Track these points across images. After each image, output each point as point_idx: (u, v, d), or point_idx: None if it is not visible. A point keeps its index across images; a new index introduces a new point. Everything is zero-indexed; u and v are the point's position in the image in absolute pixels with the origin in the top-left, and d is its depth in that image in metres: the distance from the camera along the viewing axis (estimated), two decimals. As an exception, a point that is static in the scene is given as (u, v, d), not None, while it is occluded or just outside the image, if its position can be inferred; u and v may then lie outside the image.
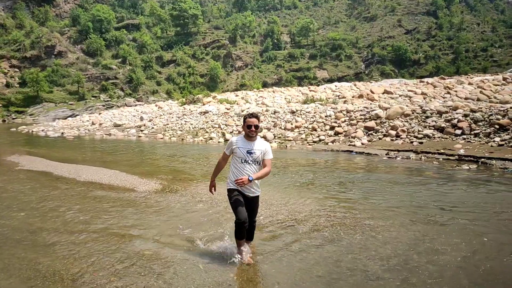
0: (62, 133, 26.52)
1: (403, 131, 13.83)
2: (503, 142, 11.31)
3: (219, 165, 4.63)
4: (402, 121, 14.51)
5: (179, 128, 22.73)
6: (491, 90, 18.18)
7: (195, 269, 4.29)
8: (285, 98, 26.95)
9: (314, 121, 17.59)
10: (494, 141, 11.54)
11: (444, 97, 18.37)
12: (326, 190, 8.05)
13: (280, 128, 18.03)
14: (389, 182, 8.71)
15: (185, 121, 23.65)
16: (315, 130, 16.67)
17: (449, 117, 13.63)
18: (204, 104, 28.91)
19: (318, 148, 14.70)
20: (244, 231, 4.33)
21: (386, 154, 12.33)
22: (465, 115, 13.35)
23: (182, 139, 20.32)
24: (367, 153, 12.80)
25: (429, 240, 4.98)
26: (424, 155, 11.79)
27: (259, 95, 31.74)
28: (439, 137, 13.00)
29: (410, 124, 14.22)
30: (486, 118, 12.74)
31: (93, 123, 30.18)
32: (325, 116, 17.57)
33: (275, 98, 27.99)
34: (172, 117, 25.67)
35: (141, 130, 24.19)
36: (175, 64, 77.49)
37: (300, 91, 33.19)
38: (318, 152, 14.13)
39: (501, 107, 13.22)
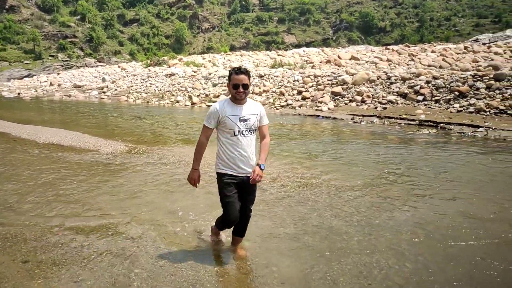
0: (19, 93, 25.14)
1: (368, 96, 14.11)
2: (461, 108, 11.82)
3: (201, 146, 3.33)
4: (368, 87, 14.77)
5: (144, 90, 22.09)
6: (453, 58, 18.75)
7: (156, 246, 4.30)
8: (253, 62, 26.64)
9: (282, 85, 17.57)
10: (453, 107, 12.03)
11: (408, 64, 18.78)
12: (293, 152, 8.18)
13: (248, 92, 17.89)
14: (354, 145, 8.95)
15: (151, 84, 22.97)
16: (283, 94, 16.70)
17: (412, 84, 14.01)
18: (170, 67, 28.09)
19: (285, 113, 14.79)
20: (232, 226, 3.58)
21: (351, 119, 12.61)
22: (427, 82, 13.76)
23: (148, 102, 19.82)
24: (333, 117, 13.02)
25: (390, 200, 5.21)
26: (387, 120, 12.15)
27: (226, 58, 31.18)
28: (402, 103, 13.39)
29: (375, 90, 14.51)
30: (447, 85, 13.19)
31: (51, 84, 28.73)
32: (293, 81, 17.57)
33: (243, 62, 27.61)
34: (137, 79, 24.84)
35: (104, 92, 23.31)
36: (139, 23, 74.11)
37: (268, 55, 32.85)
38: (285, 116, 14.23)
39: (462, 74, 13.71)
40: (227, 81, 3.36)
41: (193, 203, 5.05)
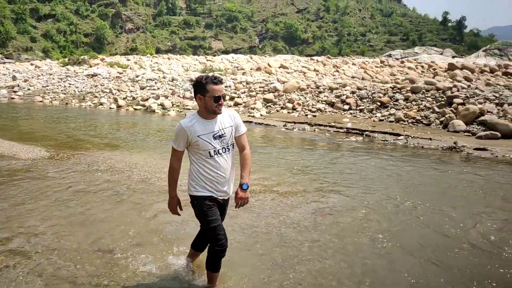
0: None
1: (299, 104, 14.56)
2: (383, 118, 12.71)
3: (174, 172, 2.93)
4: (298, 95, 15.26)
5: (62, 91, 20.42)
6: (372, 71, 20.21)
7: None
8: (182, 66, 26.12)
9: (214, 90, 17.40)
10: (376, 116, 12.90)
11: (333, 75, 19.83)
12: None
13: (179, 96, 17.45)
14: (287, 151, 9.12)
15: (69, 84, 21.33)
16: (215, 100, 16.54)
17: (339, 93, 14.77)
18: (91, 66, 26.35)
19: (218, 118, 14.64)
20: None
21: (283, 126, 12.88)
22: (353, 92, 14.61)
23: (66, 103, 18.33)
24: (266, 124, 13.20)
25: (331, 203, 5.36)
26: (318, 127, 12.63)
27: (154, 61, 30.16)
28: (330, 111, 14.03)
29: (305, 98, 15.03)
30: (370, 96, 14.12)
31: None
32: (225, 87, 17.51)
33: (171, 65, 26.94)
34: (53, 79, 22.91)
35: (14, 91, 21.10)
36: (54, 19, 68.63)
37: (197, 59, 32.50)
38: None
39: (382, 86, 14.79)
40: (195, 93, 2.83)
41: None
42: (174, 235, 4.20)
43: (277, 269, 3.58)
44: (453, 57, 42.21)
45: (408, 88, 13.80)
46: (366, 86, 15.00)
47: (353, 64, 25.50)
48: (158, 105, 16.45)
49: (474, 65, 20.70)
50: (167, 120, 14.52)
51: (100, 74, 21.77)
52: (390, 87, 14.34)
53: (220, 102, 2.79)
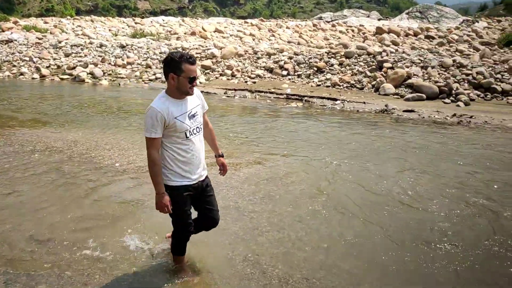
0: None
1: (238, 70, 14.48)
2: (320, 83, 13.14)
3: (156, 164, 2.69)
4: (237, 61, 15.13)
5: (-29, 60, 18.16)
6: (307, 35, 20.52)
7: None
8: (109, 30, 24.38)
9: (148, 57, 16.65)
10: (313, 81, 13.29)
11: (270, 39, 19.83)
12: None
13: (110, 64, 16.42)
14: (230, 119, 9.15)
15: (-21, 52, 18.98)
16: (150, 67, 15.86)
17: (277, 59, 14.90)
18: (3, 31, 23.57)
19: (155, 87, 14.14)
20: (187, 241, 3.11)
21: (224, 93, 12.80)
22: (290, 58, 14.81)
23: (-21, 74, 16.42)
24: (206, 92, 13.00)
25: (283, 174, 5.57)
26: (258, 93, 12.74)
27: (76, 24, 27.73)
28: (269, 77, 14.17)
29: (244, 64, 14.96)
30: (306, 61, 14.44)
31: None
32: (160, 53, 16.80)
33: (96, 29, 25.01)
34: (-42, 46, 20.20)
35: None
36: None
37: (124, 22, 30.45)
38: (156, 90, 13.58)
39: (318, 51, 15.16)
40: (168, 71, 2.64)
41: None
42: (128, 217, 4.13)
43: (239, 243, 3.70)
44: (379, 19, 44.09)
45: (342, 53, 14.31)
46: (302, 52, 15.27)
47: (287, 27, 25.61)
48: (87, 73, 15.39)
49: (399, 29, 21.88)
50: (99, 91, 13.69)
51: (16, 40, 19.62)
52: (325, 52, 14.75)
53: (194, 84, 2.69)
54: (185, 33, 21.57)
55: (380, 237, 3.86)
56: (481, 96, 11.06)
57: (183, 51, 2.96)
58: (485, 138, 7.80)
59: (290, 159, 6.20)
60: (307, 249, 3.64)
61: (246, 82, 13.88)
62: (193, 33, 21.04)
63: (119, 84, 14.51)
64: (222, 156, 3.20)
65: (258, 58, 15.28)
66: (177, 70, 2.61)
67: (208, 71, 14.89)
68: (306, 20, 41.08)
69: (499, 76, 11.63)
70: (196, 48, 16.58)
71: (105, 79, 15.06)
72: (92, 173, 5.34)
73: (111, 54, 17.11)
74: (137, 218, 4.10)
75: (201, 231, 3.21)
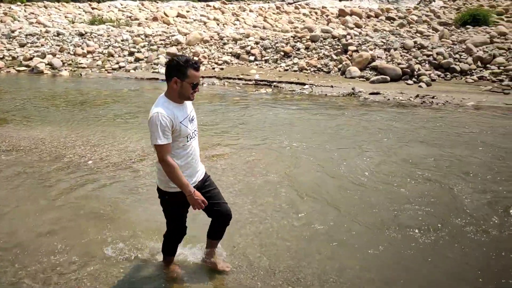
0: None
1: (204, 57, 14.29)
2: (288, 67, 13.22)
3: (176, 168, 2.63)
4: (203, 48, 14.91)
5: None
6: (272, 19, 20.44)
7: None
8: (65, 17, 23.23)
9: (110, 45, 16.06)
10: (281, 66, 13.35)
11: (235, 24, 19.60)
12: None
13: (69, 53, 15.73)
14: (205, 109, 9.08)
15: None
16: (112, 56, 15.33)
17: (244, 44, 14.80)
18: None
19: (119, 76, 13.74)
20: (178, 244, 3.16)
21: (192, 81, 12.62)
22: (256, 43, 14.76)
23: None
24: (173, 80, 12.78)
25: (262, 164, 5.64)
26: (227, 80, 12.67)
27: (28, 11, 26.16)
28: (236, 63, 14.08)
29: (210, 50, 14.77)
30: (273, 46, 14.44)
31: None
32: (122, 40, 16.24)
33: (51, 16, 23.76)
34: None
35: None
36: None
37: (80, 8, 29.01)
38: (120, 80, 13.24)
39: (284, 35, 15.19)
40: (171, 75, 2.58)
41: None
42: (105, 218, 4.09)
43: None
44: (340, 0, 44.50)
45: (308, 37, 14.41)
46: (268, 36, 15.24)
47: (251, 11, 25.35)
48: (45, 64, 14.69)
49: (361, 10, 22.19)
50: (60, 82, 13.13)
51: (-38, 30, 18.30)
52: (291, 37, 14.80)
53: (197, 90, 2.67)
54: (146, 19, 20.92)
55: (351, 221, 4.04)
56: (441, 76, 11.53)
57: (188, 56, 2.87)
58: (447, 117, 8.20)
59: (263, 147, 6.27)
60: (289, 238, 3.76)
61: (213, 69, 13.74)
62: (155, 19, 20.44)
63: (81, 75, 13.97)
64: None
65: (225, 44, 15.12)
66: (181, 75, 2.57)
67: (174, 58, 14.58)
68: (268, 2, 40.85)
69: (457, 56, 12.15)
70: (160, 35, 16.16)
71: (65, 69, 14.45)
72: (65, 173, 5.21)
73: (70, 43, 16.38)
74: (115, 218, 4.07)
75: (223, 230, 3.19)
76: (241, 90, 11.56)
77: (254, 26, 17.37)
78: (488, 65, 11.63)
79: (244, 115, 8.51)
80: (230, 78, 12.76)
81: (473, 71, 11.49)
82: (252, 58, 14.09)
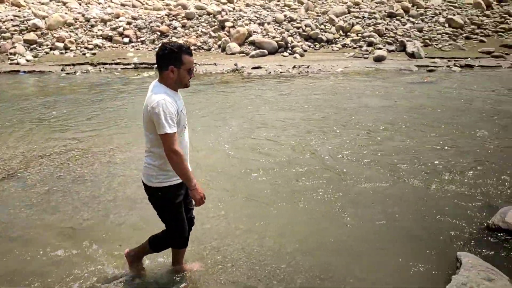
0: None
1: (71, 42, 12.98)
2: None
3: (183, 158, 2.46)
4: (68, 32, 13.47)
5: None
6: (140, -4, 19.28)
7: None
8: None
9: None
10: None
11: (100, 3, 17.96)
12: (28, 123, 6.87)
13: None
14: (84, 101, 8.40)
15: None
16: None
17: (114, 25, 13.83)
18: None
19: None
20: None
21: (62, 70, 11.43)
22: (129, 23, 13.92)
23: None
24: (39, 71, 11.40)
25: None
26: (102, 66, 11.79)
27: None
28: (110, 47, 13.14)
29: (77, 34, 13.43)
30: (147, 26, 13.81)
31: None
32: (-39, 28, 13.64)
33: None
34: None
35: None
36: None
37: None
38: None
39: (157, 14, 14.59)
40: (167, 64, 2.43)
41: None
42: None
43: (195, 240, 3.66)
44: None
45: (183, 15, 14.13)
46: (141, 15, 14.49)
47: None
48: None
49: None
50: None
51: None
52: (166, 15, 14.33)
53: (192, 75, 2.56)
54: (-11, 1, 17.83)
55: (295, 209, 4.35)
56: (311, 46, 12.57)
57: (178, 42, 2.69)
58: (321, 84, 9.09)
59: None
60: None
61: (84, 54, 12.59)
62: (1, 1, 17.56)
63: None
64: None
65: (92, 26, 13.90)
66: (177, 62, 2.44)
67: (35, 46, 12.91)
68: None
69: (322, 27, 13.32)
70: (12, 20, 14.00)
71: None
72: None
73: None
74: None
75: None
76: (121, 75, 10.92)
77: (123, 5, 16.22)
78: (348, 33, 13.04)
79: (136, 102, 8.11)
80: (106, 64, 11.90)
81: (337, 39, 12.78)
82: (126, 40, 13.29)
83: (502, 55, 11.24)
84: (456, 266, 3.03)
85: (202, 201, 2.59)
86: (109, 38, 13.43)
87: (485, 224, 3.65)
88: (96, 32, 13.61)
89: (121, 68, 11.62)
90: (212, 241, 3.51)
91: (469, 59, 11.03)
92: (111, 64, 11.89)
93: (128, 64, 11.85)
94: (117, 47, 13.13)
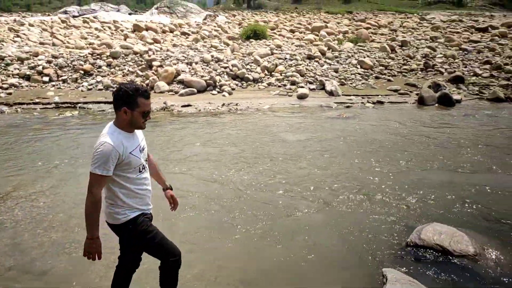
0: None
1: (-18, 81, 12.05)
2: (91, 86, 12.48)
3: (98, 206, 2.38)
4: (-22, 70, 12.52)
5: None
6: (61, 34, 18.66)
7: None
8: None
9: None
10: (83, 85, 12.49)
11: (15, 41, 17.01)
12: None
13: None
14: (3, 143, 7.80)
15: None
16: None
17: (33, 64, 13.17)
18: None
19: None
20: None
21: (-29, 111, 10.50)
22: (49, 62, 13.35)
23: None
24: None
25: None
26: (19, 106, 11.07)
27: None
28: (27, 86, 12.42)
29: (-11, 73, 12.53)
30: (69, 64, 13.35)
31: None
32: None
33: None
34: None
35: None
36: None
37: None
38: None
39: (80, 53, 14.19)
40: (120, 105, 2.40)
41: None
42: None
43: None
44: (130, 13, 43.98)
45: (108, 54, 13.95)
46: (62, 54, 14.00)
47: (31, 25, 22.53)
48: None
49: (155, 25, 22.69)
50: None
51: None
52: (89, 54, 14.02)
53: (148, 118, 2.51)
54: None
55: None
56: (239, 85, 13.06)
57: (136, 84, 2.57)
58: (248, 120, 9.47)
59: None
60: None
61: (-2, 94, 11.74)
62: None
63: None
64: (171, 189, 2.97)
65: (8, 64, 13.08)
66: (131, 105, 2.41)
67: None
68: (50, 15, 36.91)
69: (248, 66, 13.97)
70: None
71: None
72: None
73: None
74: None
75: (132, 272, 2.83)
76: (41, 116, 10.31)
77: (42, 43, 15.55)
78: (273, 73, 13.82)
79: (57, 144, 7.72)
80: (23, 104, 11.19)
81: (262, 78, 13.45)
82: (46, 78, 12.68)
83: (407, 92, 12.66)
84: (382, 281, 3.32)
85: (93, 255, 2.46)
86: (27, 77, 12.72)
87: (405, 243, 4.06)
88: (12, 71, 12.82)
89: (41, 108, 11.00)
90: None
91: (380, 96, 12.25)
92: (29, 103, 11.21)
93: (49, 103, 11.26)
94: (35, 86, 12.45)
